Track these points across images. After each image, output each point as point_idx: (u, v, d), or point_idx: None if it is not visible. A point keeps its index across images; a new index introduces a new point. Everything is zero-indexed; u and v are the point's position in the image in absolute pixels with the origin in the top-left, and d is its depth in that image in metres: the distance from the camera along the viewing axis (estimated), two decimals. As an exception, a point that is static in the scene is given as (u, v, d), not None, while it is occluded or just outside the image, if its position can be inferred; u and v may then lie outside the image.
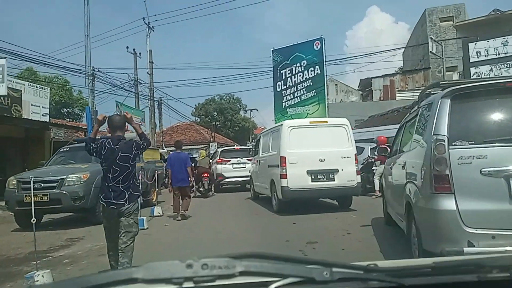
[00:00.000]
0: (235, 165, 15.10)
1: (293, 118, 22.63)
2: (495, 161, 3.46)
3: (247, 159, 14.73)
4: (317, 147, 8.53)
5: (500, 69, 19.88)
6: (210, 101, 51.43)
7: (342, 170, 8.49)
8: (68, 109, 41.24)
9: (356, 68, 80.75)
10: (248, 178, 13.08)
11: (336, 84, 36.51)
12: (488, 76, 19.04)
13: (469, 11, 31.62)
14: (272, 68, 27.71)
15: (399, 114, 26.80)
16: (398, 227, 5.42)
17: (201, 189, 13.67)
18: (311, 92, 26.25)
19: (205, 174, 13.50)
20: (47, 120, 19.17)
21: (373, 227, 6.97)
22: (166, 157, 13.38)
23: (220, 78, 52.30)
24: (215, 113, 51.05)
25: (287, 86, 27.04)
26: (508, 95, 3.72)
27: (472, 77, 19.24)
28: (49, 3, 75.05)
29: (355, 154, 8.82)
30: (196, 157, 15.01)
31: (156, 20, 50.50)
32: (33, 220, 4.59)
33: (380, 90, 32.70)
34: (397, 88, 32.46)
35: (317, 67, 26.11)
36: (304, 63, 26.45)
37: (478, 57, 20.43)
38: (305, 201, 9.23)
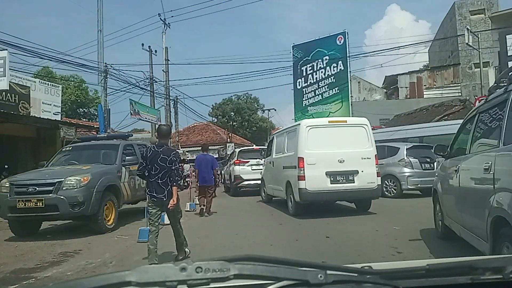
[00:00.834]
0: (254, 167, 13.89)
1: (314, 117, 21.50)
2: None
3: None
4: (336, 148, 8.20)
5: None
6: (227, 101, 50.95)
7: (362, 171, 8.14)
8: (84, 109, 40.91)
9: (384, 63, 78.46)
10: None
11: (358, 82, 35.03)
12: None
13: (501, 3, 29.84)
14: (292, 65, 26.55)
15: (428, 112, 25.38)
16: (459, 243, 4.52)
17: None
18: (333, 90, 25.01)
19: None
20: (59, 119, 18.42)
21: (425, 242, 5.75)
22: (182, 158, 12.87)
23: (238, 75, 51.22)
24: (232, 113, 50.51)
25: (308, 83, 25.86)
26: None
27: None
28: (65, 3, 75.56)
29: (375, 155, 8.41)
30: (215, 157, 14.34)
31: (172, 17, 49.70)
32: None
33: (406, 87, 31.14)
34: (424, 85, 30.88)
35: (340, 62, 24.85)
36: (326, 59, 25.22)
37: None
38: (321, 204, 8.94)
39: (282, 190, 9.30)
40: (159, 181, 4.86)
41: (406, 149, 11.10)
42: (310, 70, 25.92)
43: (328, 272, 0.87)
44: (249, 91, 50.58)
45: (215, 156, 13.38)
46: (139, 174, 5.23)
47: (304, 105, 25.77)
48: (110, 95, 21.85)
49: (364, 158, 8.26)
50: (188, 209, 10.16)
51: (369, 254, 5.27)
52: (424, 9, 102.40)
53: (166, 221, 8.29)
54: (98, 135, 10.13)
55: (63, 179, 6.79)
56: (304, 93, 25.97)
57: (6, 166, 14.14)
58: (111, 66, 19.39)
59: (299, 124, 8.77)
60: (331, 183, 8.06)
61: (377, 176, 8.34)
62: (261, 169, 13.31)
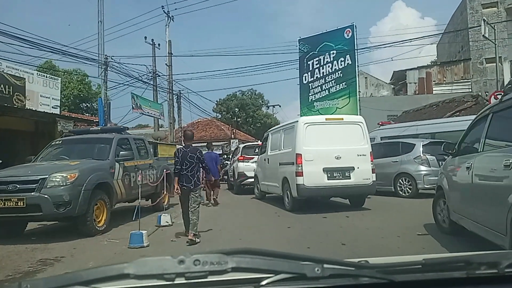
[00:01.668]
0: (259, 163, 13.24)
1: (320, 113, 20.87)
2: None
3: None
4: (333, 145, 8.42)
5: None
6: (232, 97, 50.51)
7: (358, 168, 8.38)
8: (87, 104, 40.33)
9: (394, 56, 76.46)
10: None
11: (365, 78, 34.19)
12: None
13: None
14: (298, 59, 25.77)
15: (439, 108, 24.58)
16: (467, 237, 4.78)
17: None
18: (341, 85, 24.26)
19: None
20: (58, 113, 17.82)
21: (433, 237, 5.57)
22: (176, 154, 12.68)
23: (242, 69, 50.48)
24: (236, 109, 49.95)
25: (315, 78, 25.12)
26: None
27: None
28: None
29: (371, 152, 8.66)
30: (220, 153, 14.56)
31: (175, 9, 48.94)
32: None
33: (415, 83, 30.26)
34: (433, 81, 29.98)
35: (347, 57, 24.10)
36: (333, 53, 24.47)
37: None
38: (317, 200, 9.27)
39: (278, 186, 9.42)
40: (188, 174, 6.12)
41: (423, 145, 10.35)
42: (316, 64, 25.17)
43: (325, 265, 0.87)
44: (254, 85, 49.95)
45: (218, 153, 14.04)
46: (175, 171, 6.29)
47: (310, 101, 25.02)
48: (112, 89, 21.25)
49: (360, 155, 8.48)
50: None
51: (378, 250, 4.74)
52: (430, 6, 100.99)
53: (163, 223, 7.87)
54: (91, 128, 9.43)
55: (47, 176, 6.12)
56: (310, 88, 25.22)
57: (0, 161, 13.54)
58: (112, 58, 18.67)
59: (297, 121, 8.90)
60: (328, 179, 8.27)
61: (372, 173, 8.50)
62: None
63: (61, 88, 37.63)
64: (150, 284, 0.81)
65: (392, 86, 34.94)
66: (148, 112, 21.87)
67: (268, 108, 49.32)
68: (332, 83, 24.50)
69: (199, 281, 0.80)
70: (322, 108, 23.93)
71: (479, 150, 4.48)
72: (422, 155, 9.99)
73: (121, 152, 7.61)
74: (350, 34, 24.00)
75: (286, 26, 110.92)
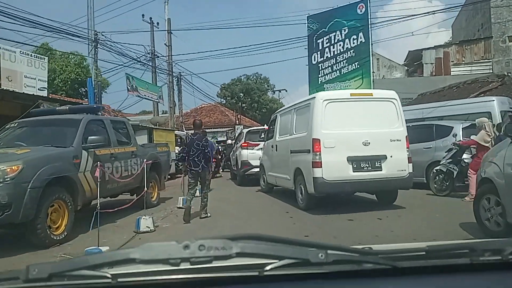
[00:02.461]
0: (265, 150, 11.54)
1: (332, 95, 19.13)
2: None
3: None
4: (360, 127, 6.85)
5: None
6: (236, 81, 49.29)
7: (391, 156, 6.78)
8: (86, 88, 38.40)
9: (415, 31, 72.06)
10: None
11: (377, 59, 32.15)
12: None
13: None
14: (306, 38, 23.89)
15: (459, 90, 22.65)
16: None
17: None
18: (353, 65, 22.56)
19: (213, 160, 12.81)
20: (45, 95, 16.18)
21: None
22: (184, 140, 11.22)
23: (247, 48, 48.29)
24: (241, 94, 48.77)
25: (325, 58, 23.40)
26: None
27: None
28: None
29: (407, 137, 7.03)
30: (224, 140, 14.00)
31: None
32: None
33: (431, 63, 28.23)
34: (452, 61, 27.94)
35: (360, 34, 22.30)
36: (345, 30, 22.68)
37: None
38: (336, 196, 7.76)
39: (290, 179, 7.86)
40: (196, 159, 6.76)
41: (463, 128, 8.61)
42: (327, 43, 23.41)
43: (329, 251, 0.88)
44: (260, 66, 48.36)
45: (223, 139, 13.02)
46: (180, 158, 7.32)
47: (320, 82, 23.28)
48: (110, 72, 19.46)
49: (393, 140, 6.89)
50: (181, 205, 7.87)
51: None
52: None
53: (143, 228, 6.28)
54: (58, 108, 7.75)
55: (-21, 170, 4.50)
56: (320, 68, 23.50)
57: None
58: (102, 35, 16.88)
59: (314, 97, 7.18)
60: (353, 171, 6.69)
61: (409, 162, 6.93)
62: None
63: (58, 72, 36.03)
64: (155, 269, 0.82)
65: (406, 67, 32.91)
66: (145, 95, 20.18)
67: (274, 93, 47.95)
68: (343, 63, 22.81)
69: (204, 266, 0.82)
70: (333, 91, 22.18)
71: None
72: (462, 140, 8.23)
73: (90, 137, 5.95)
74: (364, 9, 22.17)
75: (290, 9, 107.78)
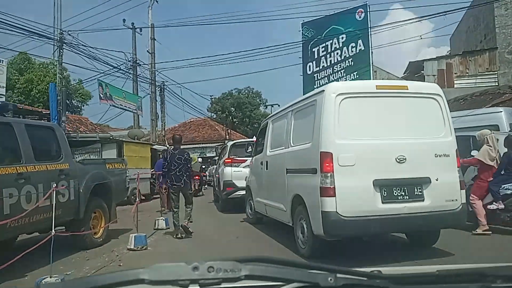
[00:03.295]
0: (253, 168, 9.34)
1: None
2: None
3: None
4: (391, 136, 4.75)
5: None
6: (227, 95, 48.10)
7: (436, 180, 4.66)
8: (66, 100, 36.10)
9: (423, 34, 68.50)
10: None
11: (375, 71, 30.48)
12: None
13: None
14: (301, 46, 22.09)
15: (468, 102, 20.92)
16: None
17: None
18: (351, 75, 20.90)
19: (196, 177, 13.14)
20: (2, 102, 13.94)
21: None
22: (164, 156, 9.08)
23: (237, 55, 46.64)
24: (232, 108, 47.06)
25: (321, 67, 21.69)
26: None
27: None
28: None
29: (457, 150, 4.91)
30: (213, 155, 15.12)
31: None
32: None
33: (433, 75, 26.58)
34: (455, 73, 26.33)
35: (359, 42, 20.67)
36: (343, 37, 21.02)
37: None
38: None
39: (285, 210, 5.61)
40: (178, 174, 6.84)
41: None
42: (323, 51, 21.72)
43: (338, 275, 0.87)
44: (251, 79, 46.85)
45: (212, 155, 11.84)
46: (163, 172, 7.27)
47: (315, 94, 21.33)
48: (86, 81, 17.26)
49: (439, 156, 4.75)
50: (133, 246, 5.66)
51: None
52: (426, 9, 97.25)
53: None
54: None
55: None
56: (316, 79, 21.72)
57: None
58: (69, 34, 14.76)
59: (323, 91, 4.89)
60: (383, 202, 4.50)
61: (461, 189, 4.79)
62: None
63: (36, 82, 33.80)
64: None
65: (405, 80, 31.33)
66: (121, 105, 18.02)
67: (266, 107, 46.53)
68: (341, 73, 21.12)
69: None
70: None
71: None
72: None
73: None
74: (363, 15, 20.60)
75: (278, 24, 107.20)
